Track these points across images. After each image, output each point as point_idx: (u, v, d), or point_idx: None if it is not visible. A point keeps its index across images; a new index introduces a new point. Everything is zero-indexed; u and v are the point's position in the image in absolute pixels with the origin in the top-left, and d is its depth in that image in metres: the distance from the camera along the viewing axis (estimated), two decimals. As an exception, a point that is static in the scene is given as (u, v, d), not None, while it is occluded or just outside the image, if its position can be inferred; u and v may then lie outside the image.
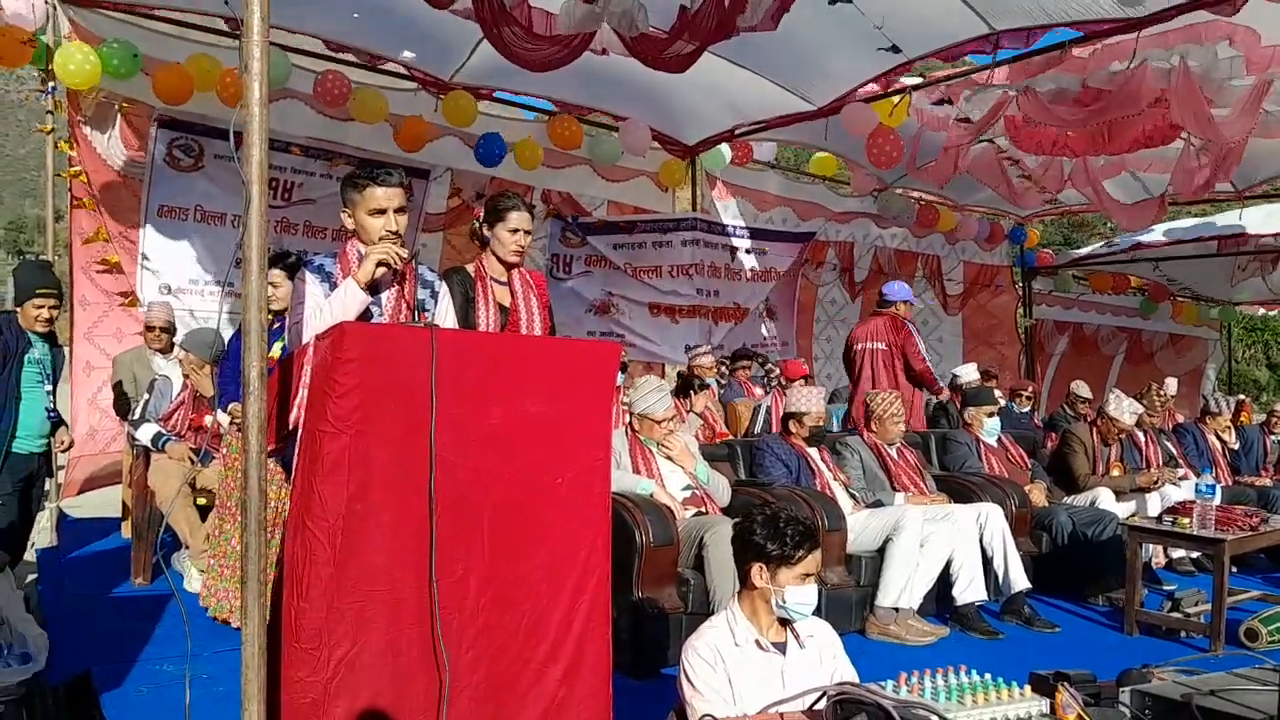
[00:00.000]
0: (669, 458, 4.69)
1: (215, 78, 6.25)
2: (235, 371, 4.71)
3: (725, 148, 8.89)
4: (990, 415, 6.23)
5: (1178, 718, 1.92)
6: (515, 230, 3.48)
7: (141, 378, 5.70)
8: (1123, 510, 5.93)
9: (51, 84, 6.05)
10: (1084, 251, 13.15)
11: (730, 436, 7.00)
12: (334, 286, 2.91)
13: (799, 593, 2.50)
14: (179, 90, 6.20)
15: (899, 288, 7.23)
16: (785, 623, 2.56)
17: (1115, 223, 9.98)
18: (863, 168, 9.22)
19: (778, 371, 8.30)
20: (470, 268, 3.54)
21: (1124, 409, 6.30)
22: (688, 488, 4.65)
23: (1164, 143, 6.76)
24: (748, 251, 9.40)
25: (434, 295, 3.17)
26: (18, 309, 4.55)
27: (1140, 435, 6.76)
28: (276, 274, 4.66)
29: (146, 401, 5.29)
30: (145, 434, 5.17)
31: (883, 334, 7.04)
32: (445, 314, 3.18)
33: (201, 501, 5.17)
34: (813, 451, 5.26)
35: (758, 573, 2.53)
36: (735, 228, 9.35)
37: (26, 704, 3.47)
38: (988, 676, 2.03)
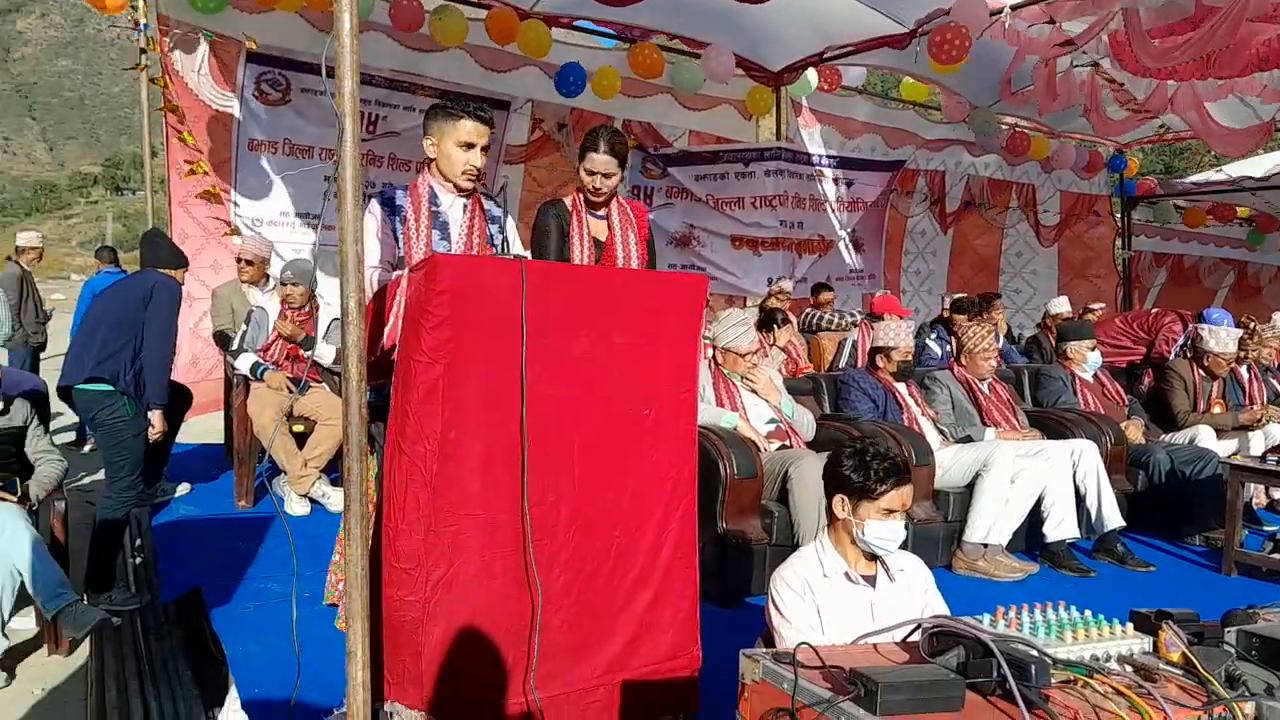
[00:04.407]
0: (753, 391, 4.67)
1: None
2: None
3: (812, 73, 8.63)
4: (1092, 349, 6.02)
5: (1288, 660, 1.84)
6: (593, 173, 3.33)
7: (239, 309, 5.88)
8: (1224, 449, 5.71)
9: (144, 22, 6.16)
10: (1193, 179, 12.47)
11: (813, 370, 6.93)
12: (403, 220, 2.95)
13: (879, 527, 2.45)
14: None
15: (1220, 316, 6.57)
16: (874, 556, 2.54)
17: (1215, 151, 9.38)
18: (956, 94, 8.86)
19: (858, 315, 8.08)
20: (568, 200, 3.44)
21: (1223, 339, 6.03)
22: (772, 421, 4.63)
23: (1279, 66, 6.31)
24: (834, 181, 9.16)
25: (501, 229, 3.17)
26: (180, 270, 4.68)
27: (1244, 372, 6.48)
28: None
29: (244, 333, 5.47)
30: (244, 364, 5.36)
31: (1168, 319, 7.01)
32: (514, 245, 3.18)
33: (298, 429, 5.35)
34: (900, 387, 5.17)
35: (840, 504, 2.50)
36: (821, 157, 9.10)
37: (141, 618, 3.69)
38: (1087, 613, 1.97)
